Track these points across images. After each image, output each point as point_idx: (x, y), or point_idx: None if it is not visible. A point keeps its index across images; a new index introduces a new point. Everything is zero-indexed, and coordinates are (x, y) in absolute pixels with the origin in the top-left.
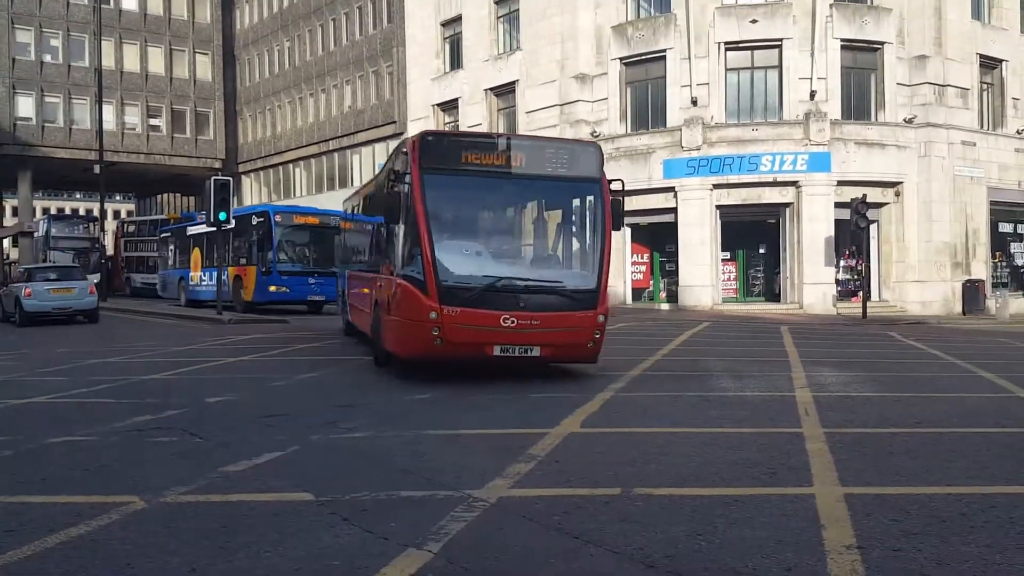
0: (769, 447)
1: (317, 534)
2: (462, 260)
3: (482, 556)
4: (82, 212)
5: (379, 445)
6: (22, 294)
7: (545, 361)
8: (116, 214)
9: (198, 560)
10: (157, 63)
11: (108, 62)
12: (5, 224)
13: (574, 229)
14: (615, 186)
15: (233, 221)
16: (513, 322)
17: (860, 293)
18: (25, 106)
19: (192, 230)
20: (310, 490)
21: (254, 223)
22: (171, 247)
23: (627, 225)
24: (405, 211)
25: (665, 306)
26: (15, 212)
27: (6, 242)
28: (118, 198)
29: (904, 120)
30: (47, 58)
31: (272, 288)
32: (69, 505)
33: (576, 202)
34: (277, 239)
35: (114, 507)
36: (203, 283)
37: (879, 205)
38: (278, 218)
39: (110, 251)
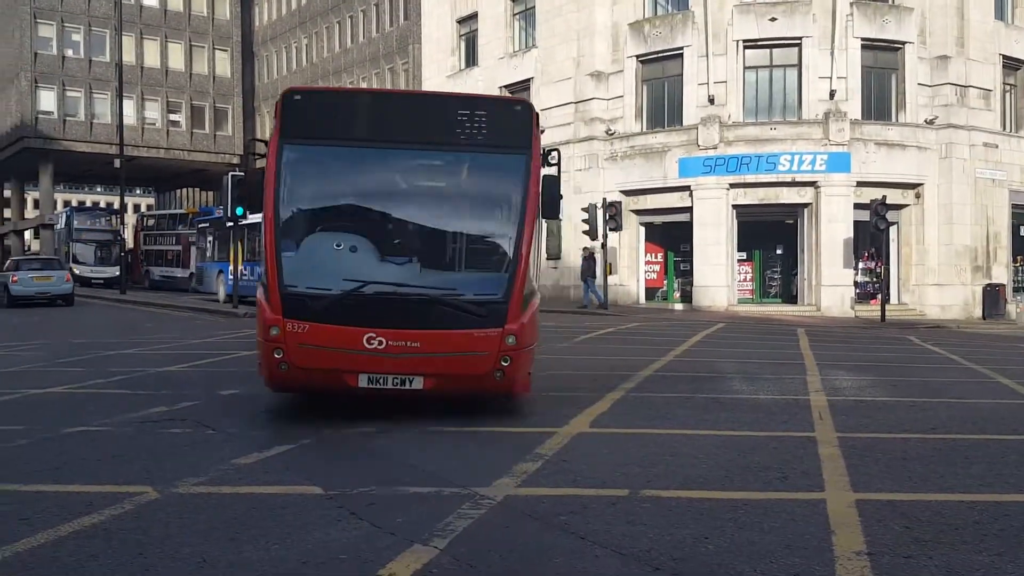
0: (781, 451)
1: (325, 528)
2: (320, 259)
3: (487, 553)
4: (103, 205)
5: (388, 440)
6: (9, 281)
7: (433, 397)
8: (136, 208)
9: (208, 551)
10: (177, 59)
11: (129, 57)
12: (27, 216)
13: (486, 217)
14: (554, 159)
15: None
16: (381, 343)
17: (879, 296)
18: (47, 100)
19: None
20: (319, 483)
21: None
22: (210, 239)
23: (641, 224)
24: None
25: (679, 306)
26: (36, 204)
27: (27, 233)
28: (138, 192)
29: (925, 121)
30: (69, 52)
31: None
32: (83, 495)
33: (492, 180)
34: None
35: (127, 497)
36: (244, 277)
37: (899, 207)
38: None
39: (129, 244)
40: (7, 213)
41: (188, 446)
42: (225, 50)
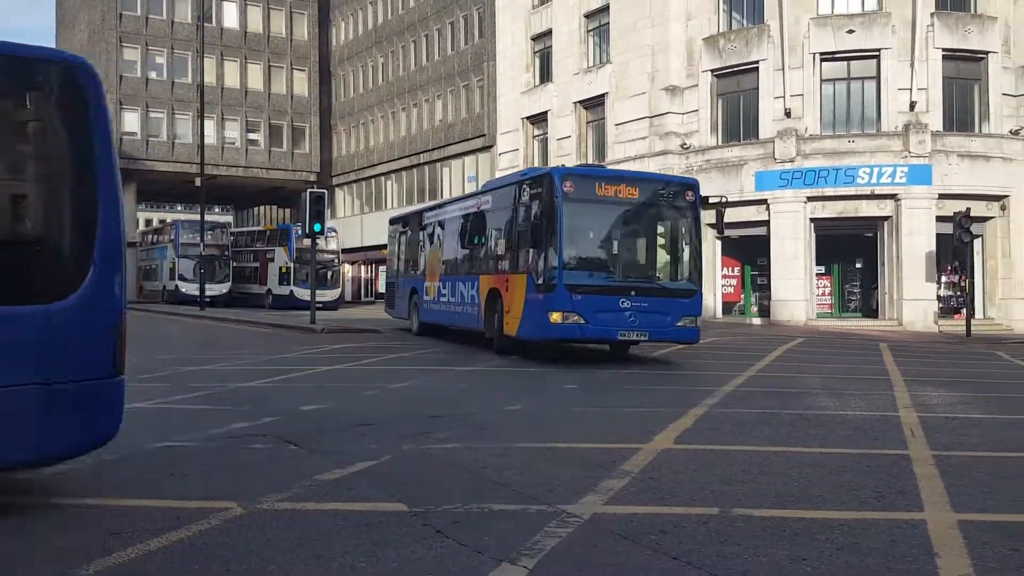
0: (874, 469)
1: (411, 546)
2: None
3: (576, 573)
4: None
5: (470, 457)
6: None
7: None
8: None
9: (294, 568)
10: (256, 79)
11: (210, 79)
12: None
13: None
14: None
15: (490, 199)
16: None
17: (963, 310)
18: (131, 121)
19: (433, 216)
20: (403, 500)
21: (525, 198)
22: (400, 245)
23: (717, 238)
24: None
25: (757, 321)
26: None
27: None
28: (217, 210)
29: (1010, 132)
30: (152, 75)
31: (555, 316)
32: (170, 509)
33: None
34: (565, 225)
35: (213, 512)
36: (442, 298)
37: (984, 219)
38: (568, 186)
39: None
40: None
41: (270, 462)
42: (303, 70)
